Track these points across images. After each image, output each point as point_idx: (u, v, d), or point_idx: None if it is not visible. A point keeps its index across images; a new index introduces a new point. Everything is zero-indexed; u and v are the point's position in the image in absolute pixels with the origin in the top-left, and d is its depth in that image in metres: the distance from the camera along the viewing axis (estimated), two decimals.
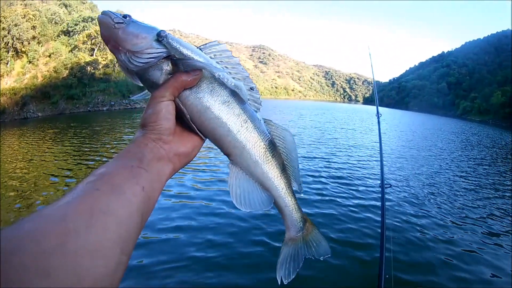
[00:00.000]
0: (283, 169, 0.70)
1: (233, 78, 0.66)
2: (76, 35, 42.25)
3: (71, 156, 10.69)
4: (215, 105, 0.63)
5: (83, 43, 41.01)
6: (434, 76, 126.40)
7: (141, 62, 0.59)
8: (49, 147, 12.59)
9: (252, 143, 0.66)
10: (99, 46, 41.84)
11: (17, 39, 35.12)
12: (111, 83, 39.93)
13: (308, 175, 8.39)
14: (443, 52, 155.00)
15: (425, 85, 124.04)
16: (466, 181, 9.63)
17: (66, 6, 47.86)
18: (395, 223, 5.53)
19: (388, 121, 36.26)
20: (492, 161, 14.14)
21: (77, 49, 40.36)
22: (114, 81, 40.56)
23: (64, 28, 42.74)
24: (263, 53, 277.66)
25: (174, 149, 0.58)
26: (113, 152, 11.22)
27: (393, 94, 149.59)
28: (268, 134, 0.69)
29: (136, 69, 0.60)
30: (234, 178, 0.66)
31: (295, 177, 0.73)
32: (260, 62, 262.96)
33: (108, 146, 12.66)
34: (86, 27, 42.79)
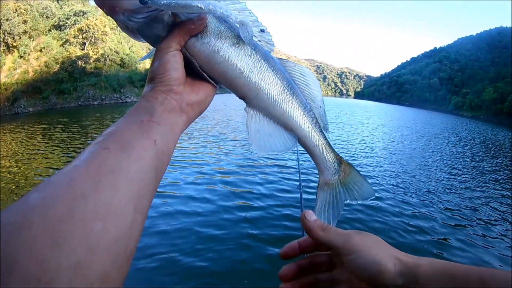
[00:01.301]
0: (306, 107, 0.66)
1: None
2: (67, 29, 41.88)
3: (59, 152, 10.68)
4: (223, 48, 0.60)
5: (74, 37, 40.69)
6: (426, 71, 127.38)
7: (141, 18, 0.56)
8: (38, 142, 12.55)
9: (267, 82, 0.63)
10: (90, 40, 41.57)
11: (8, 33, 34.75)
12: (102, 77, 39.75)
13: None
14: (435, 47, 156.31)
15: (417, 80, 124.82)
16: (456, 176, 9.76)
17: (57, 0, 47.46)
18: (381, 218, 5.59)
19: (380, 116, 36.48)
20: (483, 157, 14.27)
21: (68, 43, 40.04)
22: (105, 75, 40.38)
23: (55, 22, 42.32)
24: None
25: (186, 99, 0.56)
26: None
27: (385, 89, 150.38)
28: (284, 72, 0.66)
29: (137, 26, 0.58)
30: (252, 121, 0.64)
31: (320, 115, 0.69)
32: None
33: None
34: (78, 21, 42.39)
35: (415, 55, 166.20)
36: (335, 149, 0.67)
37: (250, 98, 0.64)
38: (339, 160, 0.68)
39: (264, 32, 0.66)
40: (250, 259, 4.07)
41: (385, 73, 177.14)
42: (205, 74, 0.61)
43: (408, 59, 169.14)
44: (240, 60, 0.61)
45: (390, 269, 0.49)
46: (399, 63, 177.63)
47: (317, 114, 0.68)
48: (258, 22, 0.64)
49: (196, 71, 0.61)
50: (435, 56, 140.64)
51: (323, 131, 0.68)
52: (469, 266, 0.45)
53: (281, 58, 0.67)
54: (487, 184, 9.01)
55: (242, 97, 0.64)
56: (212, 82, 0.62)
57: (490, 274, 0.43)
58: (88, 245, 0.32)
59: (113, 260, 0.34)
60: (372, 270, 0.49)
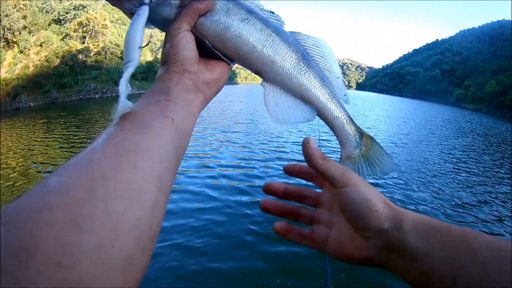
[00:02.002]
0: (323, 79, 0.65)
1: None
2: (67, 23, 41.79)
3: (60, 146, 10.65)
4: (234, 24, 0.59)
5: (75, 31, 40.62)
6: (428, 63, 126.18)
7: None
8: (38, 137, 12.52)
9: (281, 55, 0.62)
10: (91, 34, 41.48)
11: (8, 29, 34.70)
12: (103, 71, 39.70)
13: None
14: (437, 39, 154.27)
15: (419, 72, 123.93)
16: (458, 168, 9.70)
17: None
18: None
19: (381, 107, 36.34)
20: (485, 149, 14.20)
21: (68, 37, 39.99)
22: (106, 68, 40.30)
23: (55, 16, 42.24)
24: None
25: (201, 78, 0.56)
26: None
27: (386, 80, 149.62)
28: (298, 45, 0.64)
29: None
30: (269, 95, 0.63)
31: (339, 87, 0.67)
32: None
33: (95, 135, 12.50)
34: (77, 15, 42.33)
35: (417, 47, 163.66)
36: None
37: (265, 72, 0.63)
38: (361, 132, 0.66)
39: (274, 13, 0.65)
40: (249, 256, 4.01)
41: (387, 64, 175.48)
42: (218, 52, 0.60)
43: (410, 51, 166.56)
44: (251, 35, 0.60)
45: (379, 210, 0.50)
46: (401, 55, 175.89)
47: (335, 85, 0.66)
48: (265, 9, 0.64)
49: (208, 50, 0.60)
50: (437, 48, 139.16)
51: (343, 103, 0.66)
52: (451, 224, 0.46)
53: (293, 31, 0.66)
54: (490, 178, 8.96)
55: (256, 71, 0.64)
56: (226, 59, 0.62)
57: (473, 233, 0.44)
58: (110, 226, 0.32)
59: (137, 241, 0.34)
60: (362, 207, 0.50)
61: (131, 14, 0.59)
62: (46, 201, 0.30)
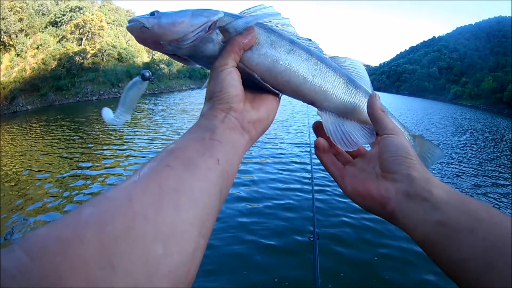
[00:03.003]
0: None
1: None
2: (64, 25, 41.89)
3: (56, 150, 10.61)
4: (282, 57, 0.59)
5: (71, 33, 40.67)
6: (425, 60, 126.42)
7: (189, 42, 0.56)
8: (35, 141, 12.52)
9: (331, 83, 0.63)
10: (87, 36, 41.56)
11: (4, 32, 34.82)
12: (100, 72, 39.77)
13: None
14: (434, 36, 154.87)
15: (416, 69, 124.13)
16: (457, 166, 9.76)
17: None
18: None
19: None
20: (482, 146, 14.22)
21: (65, 39, 40.04)
22: (103, 70, 40.42)
23: (51, 19, 42.33)
24: None
25: (247, 117, 0.54)
26: (97, 143, 11.15)
27: (384, 78, 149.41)
28: (341, 69, 0.66)
29: (187, 53, 0.58)
30: (329, 124, 0.63)
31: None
32: None
33: (91, 138, 12.50)
34: (74, 17, 42.39)
35: (414, 44, 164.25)
36: None
37: (320, 101, 0.64)
38: (413, 136, 0.71)
39: (311, 41, 0.66)
40: (248, 253, 4.04)
41: (384, 62, 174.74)
42: (268, 85, 0.60)
43: (407, 48, 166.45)
44: (300, 66, 0.60)
45: (414, 159, 0.52)
46: (398, 52, 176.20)
47: None
48: (297, 34, 0.65)
49: (257, 84, 0.60)
50: (434, 45, 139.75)
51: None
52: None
53: (331, 56, 0.68)
54: (488, 176, 8.97)
55: (311, 102, 0.64)
56: (277, 92, 0.61)
57: (494, 210, 0.43)
58: (146, 268, 0.30)
59: (172, 286, 0.32)
60: (400, 151, 0.52)
61: (176, 56, 0.60)
62: (78, 234, 0.29)
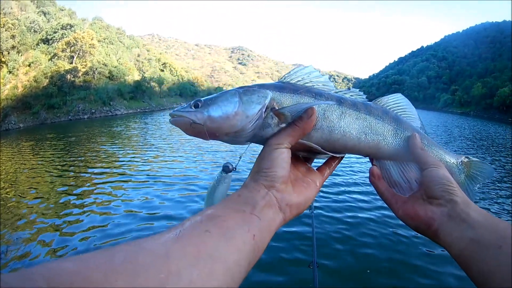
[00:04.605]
0: (418, 131, 0.71)
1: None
2: (55, 43, 42.10)
3: (45, 170, 10.62)
4: (335, 124, 0.62)
5: (62, 51, 40.95)
6: (414, 70, 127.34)
7: (249, 132, 0.58)
8: (23, 160, 12.55)
9: (382, 135, 0.66)
10: (78, 54, 41.89)
11: None
12: (91, 91, 39.98)
13: None
14: (422, 46, 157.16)
15: (405, 79, 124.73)
16: None
17: (45, 13, 47.59)
18: (373, 215, 5.73)
19: None
20: (474, 153, 14.13)
21: (56, 57, 40.33)
22: (94, 88, 40.60)
23: (43, 36, 42.58)
24: (242, 54, 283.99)
25: (286, 199, 0.55)
26: (84, 165, 11.14)
27: (373, 90, 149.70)
28: (387, 114, 0.69)
29: (247, 139, 0.61)
30: (390, 173, 0.67)
31: (424, 129, 0.74)
32: (239, 63, 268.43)
33: (80, 158, 12.47)
34: (65, 34, 42.66)
35: (403, 55, 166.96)
36: None
37: (375, 154, 0.67)
38: (460, 159, 0.72)
39: (350, 89, 0.71)
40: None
41: (374, 74, 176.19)
42: (329, 153, 0.64)
43: (396, 59, 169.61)
44: (353, 128, 0.64)
45: (455, 187, 0.58)
46: (387, 64, 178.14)
47: (418, 126, 0.73)
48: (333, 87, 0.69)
49: (318, 153, 0.64)
50: (422, 54, 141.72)
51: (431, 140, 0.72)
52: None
53: (374, 100, 0.72)
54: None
55: (366, 155, 0.68)
56: (336, 155, 0.66)
57: None
58: None
59: None
60: (443, 181, 0.58)
61: (236, 143, 0.62)
62: (108, 280, 0.29)
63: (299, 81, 0.65)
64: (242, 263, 0.42)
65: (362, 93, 0.70)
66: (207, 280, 0.36)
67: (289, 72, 0.66)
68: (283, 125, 0.60)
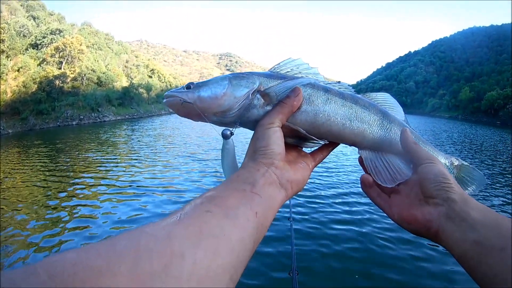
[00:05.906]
0: (406, 127, 0.71)
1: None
2: (44, 47, 41.89)
3: (29, 178, 10.53)
4: (320, 109, 0.63)
5: (51, 56, 40.81)
6: (401, 75, 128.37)
7: (235, 111, 0.61)
8: (9, 168, 12.41)
9: (367, 123, 0.67)
10: (67, 59, 41.78)
11: None
12: (80, 97, 39.84)
13: None
14: (409, 52, 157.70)
15: (393, 85, 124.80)
16: None
17: (34, 18, 47.27)
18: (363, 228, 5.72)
19: None
20: (463, 157, 14.05)
21: (45, 62, 40.19)
22: (82, 94, 40.44)
23: (32, 41, 42.37)
24: (230, 60, 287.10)
25: (286, 175, 0.57)
26: (73, 171, 11.17)
27: None
28: (374, 106, 0.70)
29: (232, 120, 0.62)
30: (371, 162, 0.67)
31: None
32: (227, 69, 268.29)
33: (68, 166, 12.39)
34: (54, 39, 42.49)
35: (390, 61, 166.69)
36: None
37: (360, 142, 0.67)
38: (451, 161, 0.73)
39: (340, 83, 0.72)
40: None
41: (361, 80, 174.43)
42: (314, 138, 0.64)
43: (384, 65, 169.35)
44: (338, 114, 0.64)
45: (452, 183, 0.55)
46: (375, 69, 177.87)
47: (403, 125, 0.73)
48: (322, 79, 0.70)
49: (303, 137, 0.64)
50: (409, 60, 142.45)
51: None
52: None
53: (364, 94, 0.73)
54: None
55: (351, 144, 0.68)
56: (321, 142, 0.67)
57: None
58: None
59: None
60: (438, 177, 0.56)
61: (223, 124, 0.64)
62: (111, 266, 0.29)
63: (288, 72, 0.68)
64: (246, 241, 0.42)
65: (351, 87, 0.71)
66: (211, 259, 0.35)
67: (279, 63, 0.69)
68: (269, 107, 0.62)
